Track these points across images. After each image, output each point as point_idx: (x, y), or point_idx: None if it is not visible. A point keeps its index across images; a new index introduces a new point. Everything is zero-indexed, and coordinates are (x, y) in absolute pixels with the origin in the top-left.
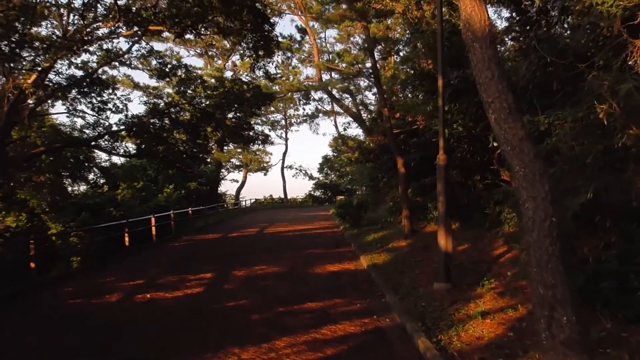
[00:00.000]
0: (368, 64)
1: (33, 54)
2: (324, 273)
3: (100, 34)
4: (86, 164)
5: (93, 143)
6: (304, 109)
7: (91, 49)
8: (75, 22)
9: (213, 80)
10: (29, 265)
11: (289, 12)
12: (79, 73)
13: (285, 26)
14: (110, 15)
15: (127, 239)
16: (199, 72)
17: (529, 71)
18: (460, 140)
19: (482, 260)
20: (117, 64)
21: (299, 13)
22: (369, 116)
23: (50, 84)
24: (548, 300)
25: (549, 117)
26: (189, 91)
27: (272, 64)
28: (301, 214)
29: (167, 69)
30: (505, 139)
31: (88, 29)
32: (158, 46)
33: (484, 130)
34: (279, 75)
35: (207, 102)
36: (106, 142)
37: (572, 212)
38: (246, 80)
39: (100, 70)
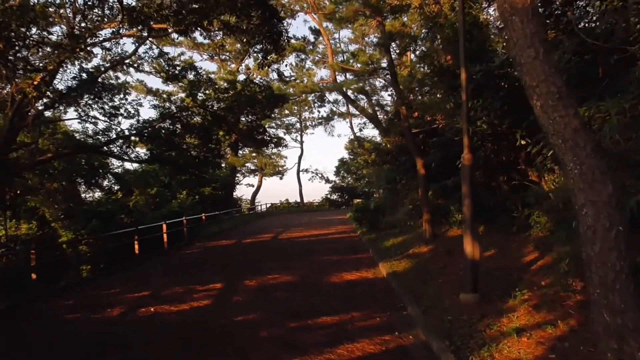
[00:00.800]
0: (384, 63)
1: (36, 57)
2: (340, 282)
3: (104, 35)
4: (100, 171)
5: (105, 149)
6: (318, 112)
7: (96, 50)
8: (79, 23)
9: (224, 83)
10: (30, 276)
11: (302, 11)
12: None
13: (299, 27)
14: (113, 15)
15: (137, 246)
16: (212, 76)
17: (563, 61)
18: (484, 138)
19: (512, 268)
20: (125, 67)
21: (312, 14)
22: (385, 117)
23: (56, 89)
24: (616, 328)
25: (589, 110)
26: (200, 94)
27: (284, 62)
28: (317, 218)
29: (176, 71)
30: (555, 130)
31: (92, 29)
32: (171, 50)
33: (510, 128)
34: (293, 78)
35: (219, 105)
36: (117, 148)
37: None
38: (259, 83)
39: (112, 76)
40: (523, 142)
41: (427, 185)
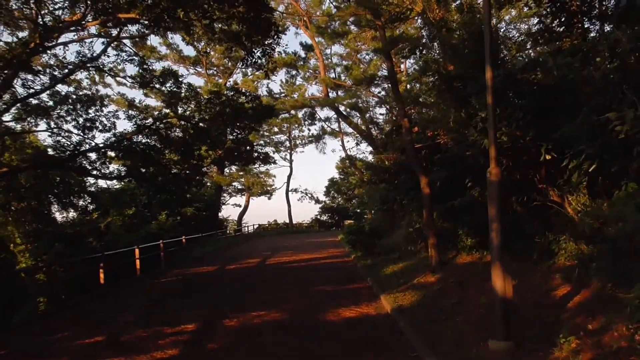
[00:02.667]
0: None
1: None
2: (337, 321)
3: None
4: (76, 189)
5: (71, 164)
6: (309, 130)
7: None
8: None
9: (209, 95)
10: None
11: (293, 25)
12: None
13: (290, 42)
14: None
15: (102, 275)
16: (199, 91)
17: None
18: (501, 152)
19: (543, 304)
20: (95, 70)
21: (305, 27)
22: (379, 134)
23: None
24: None
25: None
26: (181, 106)
27: (274, 72)
28: (307, 240)
29: (152, 77)
30: None
31: (55, 23)
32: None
33: (534, 140)
34: (283, 95)
35: (201, 116)
36: (89, 164)
37: None
38: (246, 93)
39: (89, 86)
40: (548, 157)
41: (432, 206)
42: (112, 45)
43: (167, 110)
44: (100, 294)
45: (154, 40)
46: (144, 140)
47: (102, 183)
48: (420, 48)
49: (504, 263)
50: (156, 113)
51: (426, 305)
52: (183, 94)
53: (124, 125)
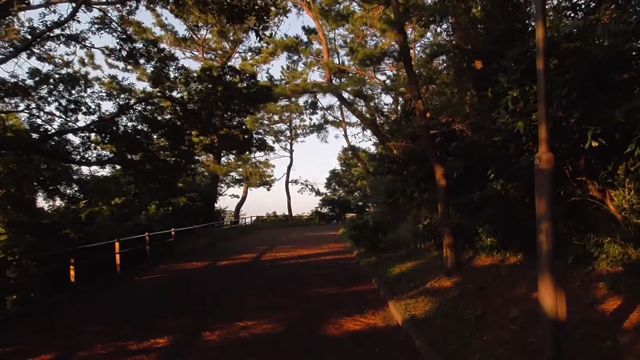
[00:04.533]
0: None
1: None
2: (340, 336)
3: None
4: (61, 176)
5: (42, 147)
6: (310, 119)
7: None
8: None
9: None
10: None
11: (295, 6)
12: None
13: (291, 25)
14: None
15: (72, 273)
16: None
17: None
18: (535, 138)
19: (590, 322)
20: (65, 39)
21: (308, 8)
22: (384, 125)
23: None
24: None
25: None
26: (168, 82)
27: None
28: (307, 233)
29: (133, 49)
30: None
31: None
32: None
33: (579, 122)
34: (284, 82)
35: (190, 97)
36: (69, 148)
37: None
38: (240, 72)
39: (79, 68)
40: (595, 144)
41: (448, 200)
42: (95, 18)
43: (153, 90)
44: (71, 296)
45: (147, 20)
46: (129, 124)
47: (91, 170)
48: (439, 17)
49: (555, 274)
50: (142, 94)
51: (444, 316)
52: (171, 73)
53: (111, 108)
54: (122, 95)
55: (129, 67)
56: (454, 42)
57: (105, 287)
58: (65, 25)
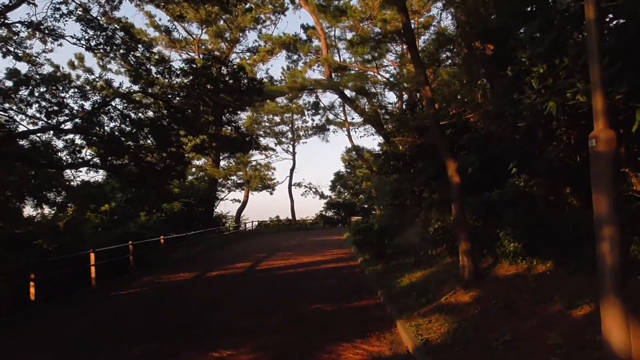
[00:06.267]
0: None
1: None
2: None
3: None
4: (53, 182)
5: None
6: (312, 120)
7: None
8: None
9: (182, 65)
10: None
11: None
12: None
13: (290, 22)
14: None
15: (32, 290)
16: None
17: None
18: (572, 120)
19: None
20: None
21: (305, 1)
22: (388, 123)
23: None
24: None
25: None
26: (148, 75)
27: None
28: (310, 238)
29: (100, 35)
30: None
31: None
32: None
33: (626, 99)
34: (284, 82)
35: (172, 91)
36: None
37: None
38: (226, 63)
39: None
40: None
41: (463, 199)
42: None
43: (132, 85)
44: (28, 315)
45: (139, 22)
46: (111, 124)
47: (73, 175)
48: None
49: (625, 298)
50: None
51: (465, 341)
52: (153, 68)
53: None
54: (100, 93)
55: (104, 58)
56: (462, 19)
57: (70, 304)
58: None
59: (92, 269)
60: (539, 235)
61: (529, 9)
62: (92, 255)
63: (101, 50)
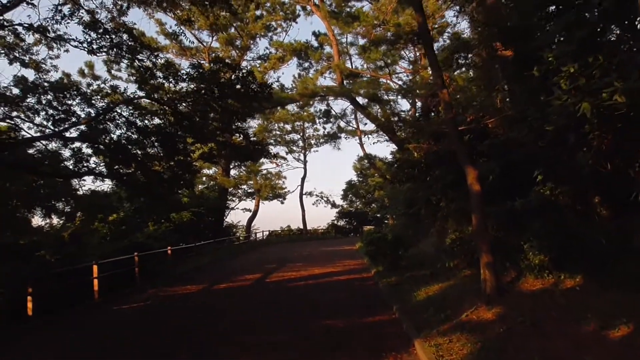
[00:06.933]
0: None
1: None
2: None
3: None
4: (62, 192)
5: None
6: (324, 128)
7: None
8: None
9: (188, 70)
10: None
11: (304, 5)
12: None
13: (301, 29)
14: None
15: (30, 305)
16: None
17: None
18: (608, 125)
19: None
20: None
21: (316, 7)
22: (401, 132)
23: None
24: None
25: None
26: (153, 80)
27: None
28: (321, 248)
29: (103, 37)
30: None
31: None
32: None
33: None
34: (295, 90)
35: (178, 96)
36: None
37: None
38: (233, 66)
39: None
40: None
41: (484, 209)
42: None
43: (137, 91)
44: (23, 331)
45: (151, 31)
46: (117, 132)
47: (79, 184)
48: None
49: None
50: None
51: None
52: (159, 73)
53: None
54: (105, 99)
55: (112, 65)
56: (480, 20)
57: (69, 319)
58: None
59: (95, 281)
60: (567, 247)
61: (553, 7)
62: (95, 267)
63: (104, 54)
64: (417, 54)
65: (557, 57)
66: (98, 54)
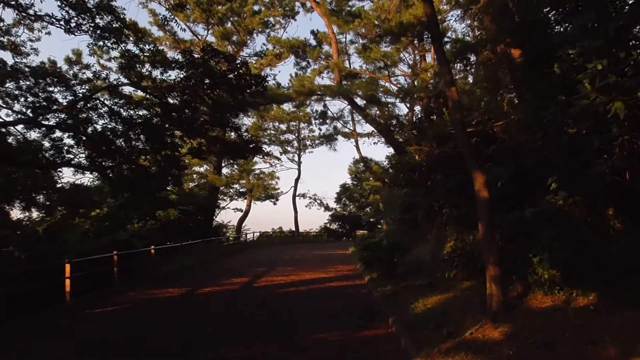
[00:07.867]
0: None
1: None
2: None
3: None
4: (45, 184)
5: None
6: (319, 129)
7: None
8: None
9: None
10: None
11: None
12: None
13: (300, 27)
14: None
15: None
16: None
17: None
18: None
19: None
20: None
21: (315, 3)
22: (401, 131)
23: None
24: None
25: None
26: (139, 67)
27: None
28: (313, 252)
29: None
30: None
31: None
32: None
33: None
34: (292, 89)
35: (165, 84)
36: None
37: None
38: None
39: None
40: None
41: (491, 218)
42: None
43: (122, 79)
44: None
45: (143, 20)
46: (100, 122)
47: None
48: None
49: None
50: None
51: None
52: (144, 57)
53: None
54: (85, 86)
55: (97, 50)
56: (487, 19)
57: (30, 327)
58: None
59: (67, 282)
60: (582, 262)
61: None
62: (68, 267)
63: (84, 33)
64: (418, 57)
65: (582, 54)
66: (77, 33)
